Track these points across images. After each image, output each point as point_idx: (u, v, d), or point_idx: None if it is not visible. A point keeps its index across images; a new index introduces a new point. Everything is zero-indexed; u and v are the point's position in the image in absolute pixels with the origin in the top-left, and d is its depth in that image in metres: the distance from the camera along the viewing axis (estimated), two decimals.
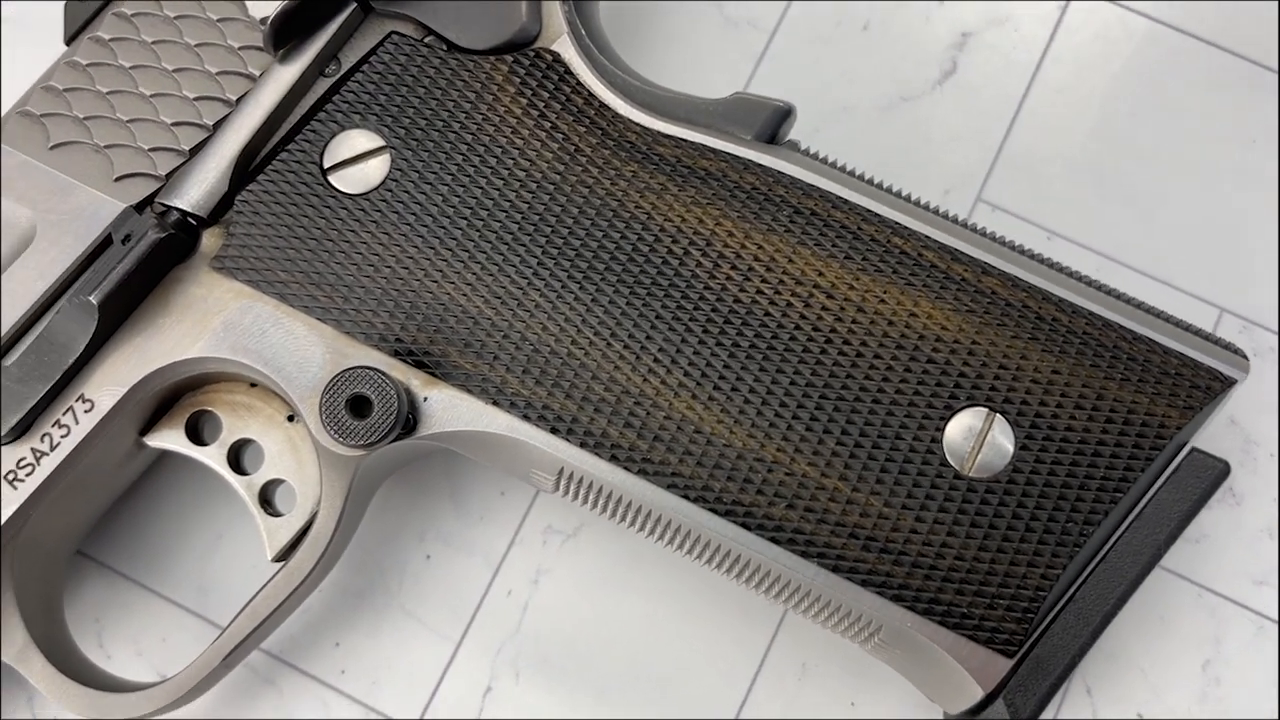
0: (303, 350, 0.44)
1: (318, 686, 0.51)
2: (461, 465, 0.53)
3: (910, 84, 0.56)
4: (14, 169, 0.45)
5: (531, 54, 0.45)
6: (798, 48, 0.56)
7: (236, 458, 0.47)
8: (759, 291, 0.43)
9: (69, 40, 0.47)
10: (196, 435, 0.48)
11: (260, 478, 0.47)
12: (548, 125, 0.45)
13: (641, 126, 0.45)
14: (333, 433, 0.42)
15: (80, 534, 0.49)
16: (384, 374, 0.43)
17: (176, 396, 0.47)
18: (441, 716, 0.50)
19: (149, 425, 0.47)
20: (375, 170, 0.45)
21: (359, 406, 0.43)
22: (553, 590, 0.52)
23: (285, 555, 0.46)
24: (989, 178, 0.55)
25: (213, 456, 0.47)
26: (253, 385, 0.47)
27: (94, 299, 0.43)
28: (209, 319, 0.45)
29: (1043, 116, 0.55)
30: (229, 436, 0.47)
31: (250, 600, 0.46)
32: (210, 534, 0.52)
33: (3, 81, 0.57)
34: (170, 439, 0.47)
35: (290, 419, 0.47)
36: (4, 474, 0.44)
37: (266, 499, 0.47)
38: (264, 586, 0.46)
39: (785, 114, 0.46)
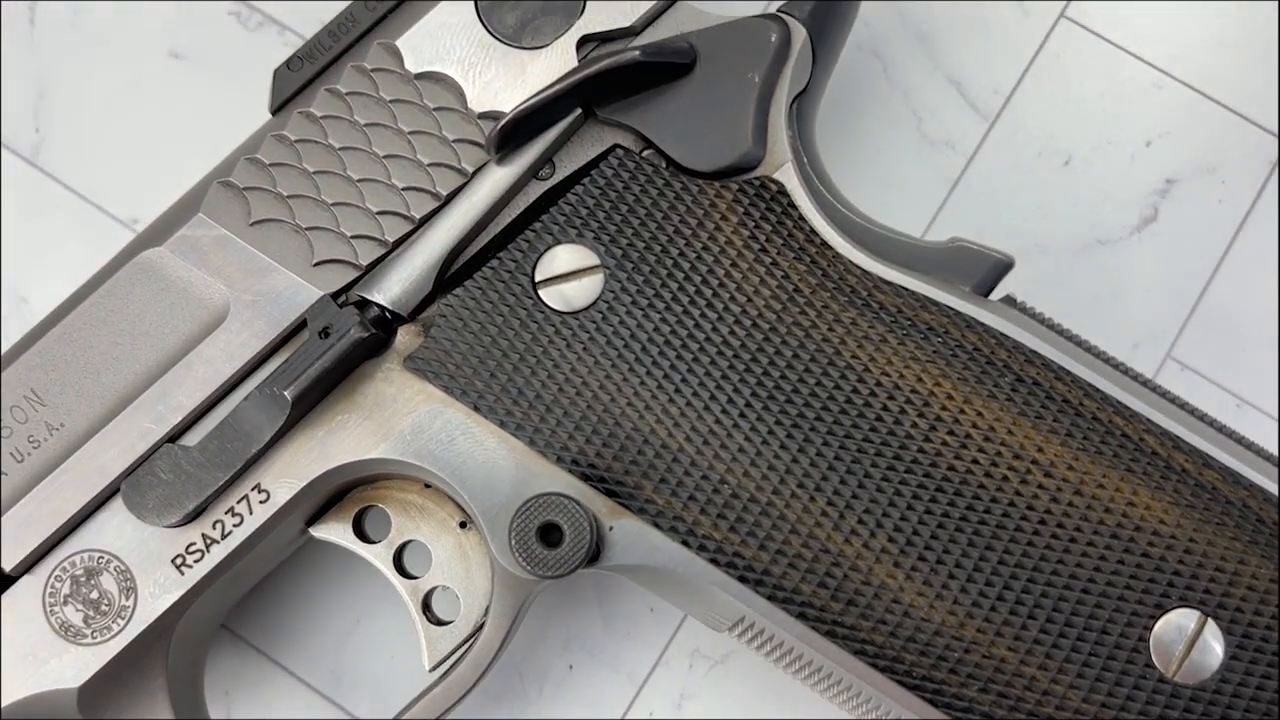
0: (491, 463, 0.43)
1: None
2: (612, 577, 0.51)
3: (1108, 227, 0.54)
4: (211, 242, 0.44)
5: (756, 183, 0.44)
6: (995, 176, 0.54)
7: (399, 557, 0.46)
8: (974, 461, 0.42)
9: (275, 110, 0.46)
10: (360, 526, 0.47)
11: (426, 583, 0.45)
12: (768, 261, 0.43)
13: (862, 270, 0.43)
14: (522, 560, 0.41)
15: (226, 611, 0.48)
16: (578, 505, 0.41)
17: (348, 489, 0.46)
18: None
19: (316, 516, 0.46)
20: (588, 289, 0.43)
21: (550, 535, 0.42)
22: (695, 716, 0.50)
23: (442, 664, 0.45)
24: (1181, 335, 0.53)
25: (379, 556, 0.45)
26: (426, 486, 0.46)
27: (288, 394, 0.41)
28: (397, 420, 0.43)
29: (1243, 275, 0.53)
30: (397, 537, 0.46)
31: (406, 710, 0.45)
32: (349, 617, 0.51)
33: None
34: (337, 532, 0.45)
35: (463, 525, 0.45)
36: (172, 558, 0.43)
37: (427, 603, 0.46)
38: (421, 697, 0.44)
39: (1006, 268, 0.45)
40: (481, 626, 0.45)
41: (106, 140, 0.55)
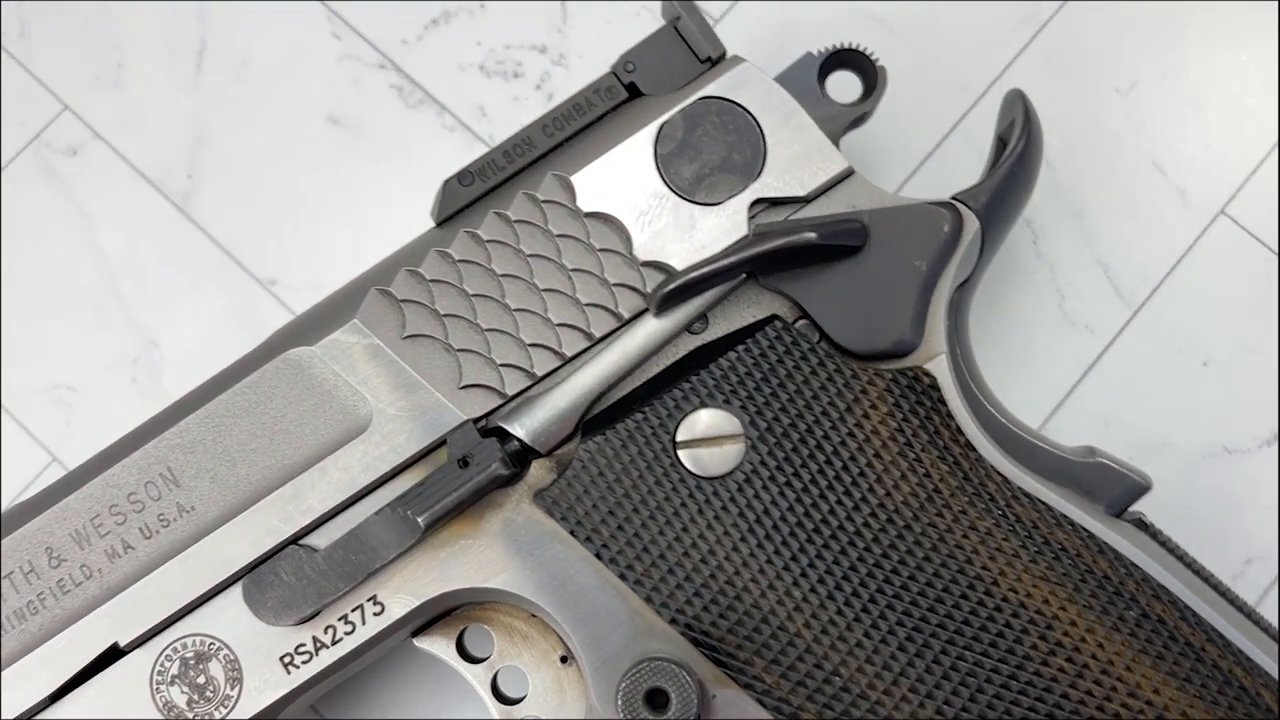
0: (606, 611, 0.43)
1: None
2: None
3: (1238, 436, 0.53)
4: (363, 350, 0.44)
5: (910, 374, 0.43)
6: (1131, 366, 0.54)
7: (495, 677, 0.47)
8: (1089, 693, 0.41)
9: (440, 222, 0.46)
10: (461, 640, 0.47)
11: (520, 712, 0.46)
12: (911, 456, 0.43)
13: (1002, 477, 0.43)
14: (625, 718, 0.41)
15: (317, 698, 0.49)
16: (688, 673, 0.41)
17: (456, 607, 0.46)
18: None
19: (422, 627, 0.46)
20: (728, 457, 0.43)
21: (655, 698, 0.42)
22: None
23: None
24: None
25: (478, 677, 0.46)
26: (533, 615, 0.46)
27: (422, 520, 0.42)
28: (518, 553, 0.44)
29: None
30: (499, 660, 0.46)
31: None
32: (426, 714, 0.52)
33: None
34: (440, 647, 0.46)
35: (563, 660, 0.46)
36: (281, 656, 0.44)
37: None
38: None
39: (1143, 491, 0.44)
40: None
41: (255, 197, 0.56)
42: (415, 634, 0.46)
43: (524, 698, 0.46)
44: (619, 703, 0.42)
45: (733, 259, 0.43)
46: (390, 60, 0.57)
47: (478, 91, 0.57)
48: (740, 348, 0.44)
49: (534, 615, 0.46)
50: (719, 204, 0.45)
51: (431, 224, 0.47)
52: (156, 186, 0.56)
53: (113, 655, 0.43)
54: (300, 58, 0.57)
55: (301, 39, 0.57)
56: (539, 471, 0.44)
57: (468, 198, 0.46)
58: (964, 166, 0.55)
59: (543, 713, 0.46)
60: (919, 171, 0.56)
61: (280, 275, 0.55)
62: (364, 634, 0.44)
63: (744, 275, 0.44)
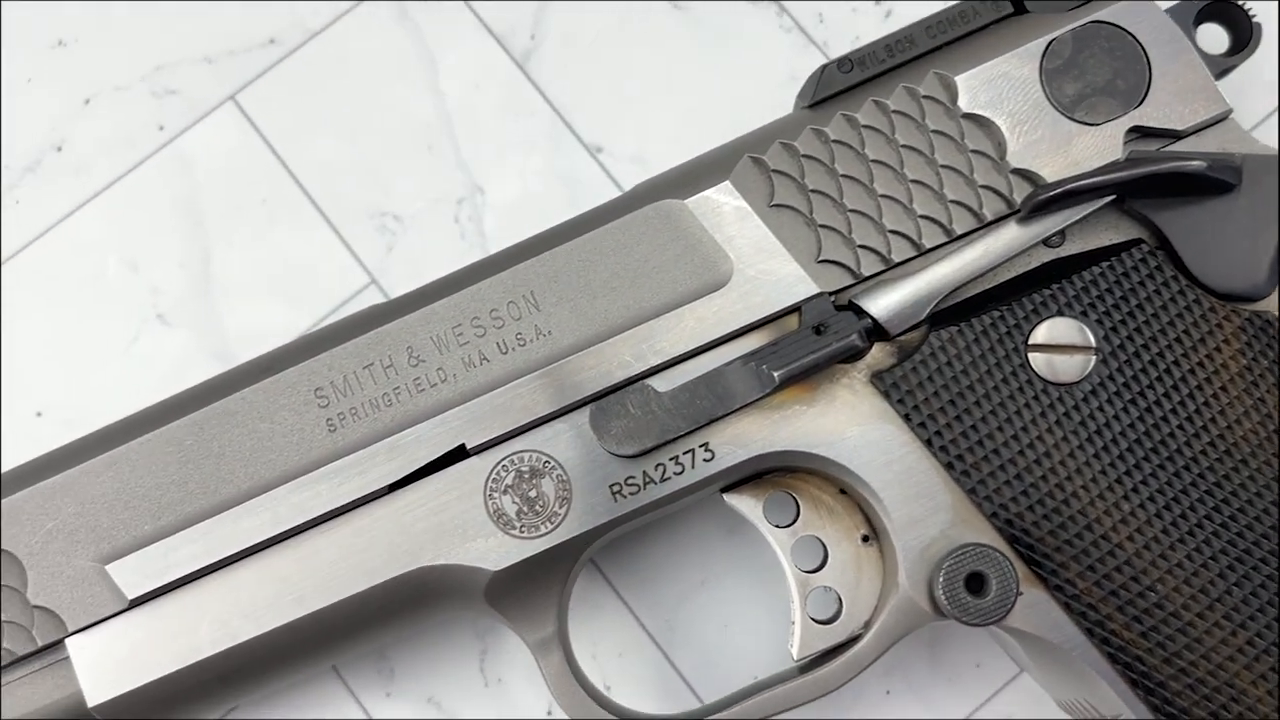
0: (928, 495, 0.45)
1: None
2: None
3: None
4: (731, 211, 0.46)
5: (1263, 318, 0.44)
6: None
7: (793, 547, 0.48)
8: None
9: (813, 104, 0.48)
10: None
11: (816, 580, 0.47)
12: (1256, 395, 0.44)
13: None
14: (945, 599, 0.43)
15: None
16: (1011, 564, 0.43)
17: (771, 470, 0.48)
18: None
19: (733, 484, 0.48)
20: (1074, 366, 0.44)
21: (975, 584, 0.43)
22: None
23: (807, 659, 0.48)
24: None
25: (780, 541, 0.48)
26: (841, 491, 0.48)
27: (777, 375, 0.44)
28: (847, 427, 0.45)
29: None
30: (801, 529, 0.48)
31: (763, 688, 0.47)
32: (695, 579, 0.54)
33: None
34: (747, 506, 0.48)
35: (865, 539, 0.47)
36: (611, 484, 0.46)
37: (805, 598, 0.48)
38: (783, 683, 0.47)
39: None
40: (857, 638, 0.47)
41: (591, 66, 0.58)
42: (726, 491, 0.48)
43: (819, 568, 0.48)
44: (939, 581, 0.43)
45: (1114, 176, 0.44)
46: None
47: None
48: (1104, 264, 0.45)
49: (843, 492, 0.48)
50: (1097, 125, 0.46)
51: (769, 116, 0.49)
52: (500, 42, 0.59)
53: (456, 456, 0.46)
54: None
55: None
56: (879, 354, 0.46)
57: (844, 83, 0.48)
58: None
59: (838, 585, 0.47)
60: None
61: (606, 144, 0.57)
62: (689, 478, 0.46)
63: (1111, 197, 0.45)
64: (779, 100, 0.51)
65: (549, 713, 0.52)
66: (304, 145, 0.58)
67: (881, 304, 0.45)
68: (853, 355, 0.45)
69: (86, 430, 0.50)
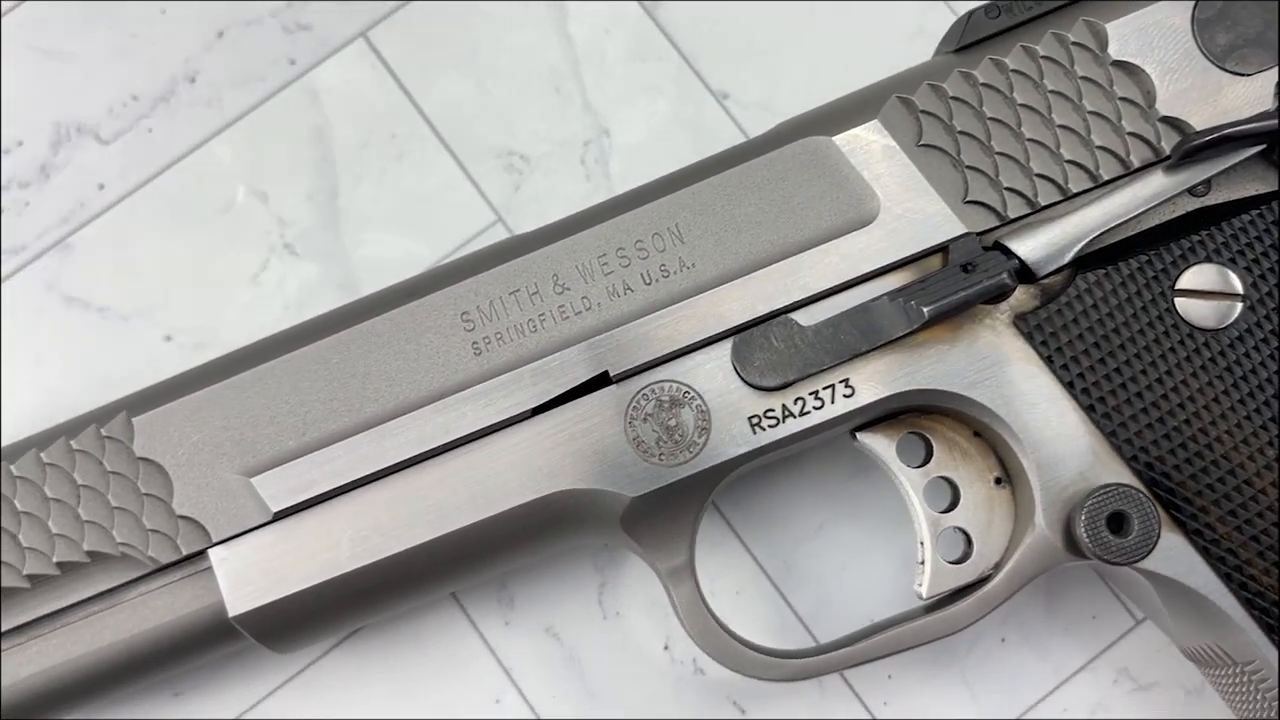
0: (1065, 438, 0.45)
1: (859, 706, 0.52)
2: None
3: None
4: (880, 149, 0.46)
5: None
6: None
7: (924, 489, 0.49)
8: None
9: (960, 48, 0.48)
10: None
11: (947, 520, 0.48)
12: None
13: None
14: (1089, 538, 0.43)
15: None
16: (1154, 506, 0.43)
17: (906, 410, 0.48)
18: None
19: (865, 424, 0.49)
20: (1221, 313, 0.44)
21: (1116, 523, 0.44)
22: None
23: (934, 599, 0.48)
24: None
25: (913, 482, 0.48)
26: (976, 434, 0.48)
27: (927, 311, 0.44)
28: (990, 368, 0.46)
29: None
30: (934, 469, 0.48)
31: (889, 626, 0.47)
32: (813, 522, 0.54)
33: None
34: (880, 446, 0.48)
35: (998, 481, 0.48)
36: (749, 416, 0.46)
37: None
38: (912, 620, 0.47)
39: None
40: (986, 578, 0.47)
41: (720, 13, 0.58)
42: (858, 431, 0.49)
43: (948, 509, 0.48)
44: (1081, 519, 0.44)
45: (1266, 124, 0.44)
46: None
47: None
48: (1254, 213, 0.45)
49: (977, 435, 0.48)
50: (1248, 75, 0.46)
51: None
52: None
53: (598, 383, 0.46)
54: None
55: None
56: (1022, 296, 0.46)
57: (992, 29, 0.48)
58: None
59: (969, 526, 0.48)
60: None
61: (733, 90, 0.58)
62: (828, 412, 0.46)
63: (1261, 146, 0.45)
64: (906, 53, 0.52)
65: (666, 647, 0.53)
66: (433, 84, 0.58)
67: (1028, 246, 0.46)
68: (1000, 295, 0.45)
69: (214, 355, 0.51)
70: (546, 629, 0.54)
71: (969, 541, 0.48)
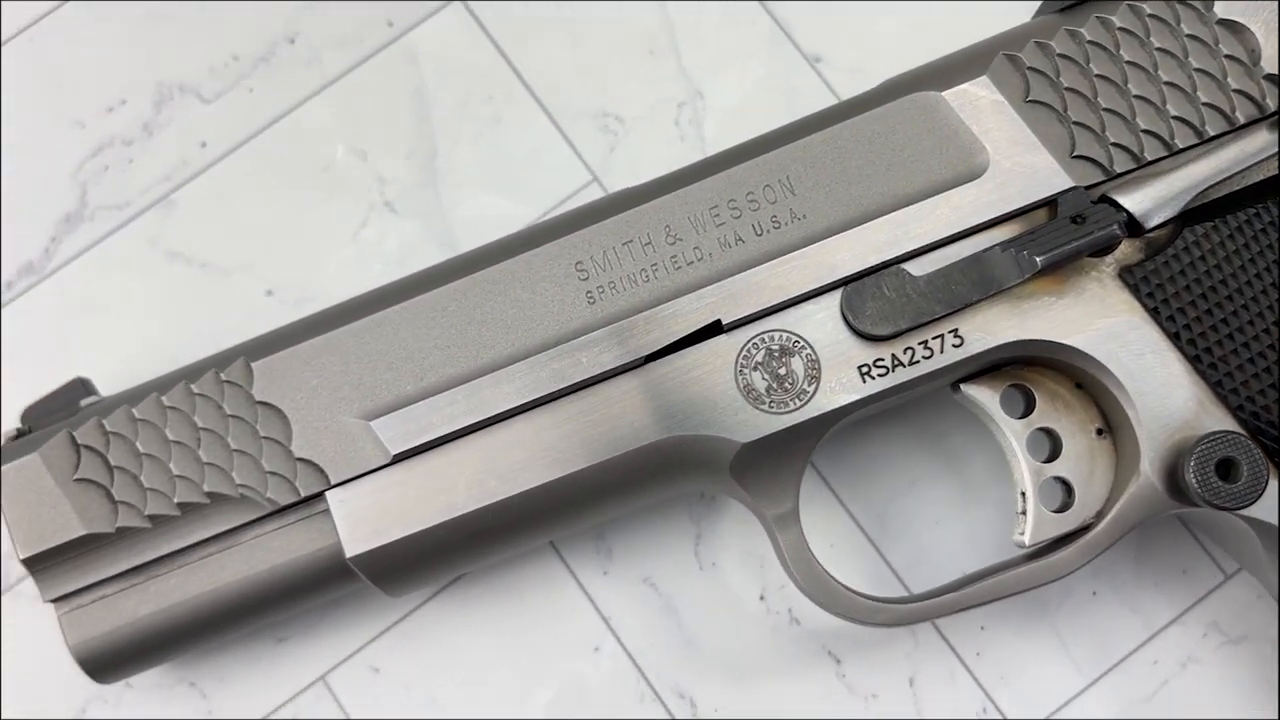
0: (1170, 388, 0.46)
1: (951, 657, 0.53)
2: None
3: None
4: (989, 105, 0.47)
5: None
6: None
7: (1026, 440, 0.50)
8: None
9: (1064, 9, 0.49)
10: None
11: (1049, 470, 0.49)
12: None
13: None
14: (1198, 484, 0.44)
15: None
16: (1263, 455, 0.44)
17: (1010, 362, 0.49)
18: None
19: (969, 376, 0.49)
20: None
21: (1224, 469, 0.45)
22: (1197, 681, 0.53)
23: (1036, 547, 0.49)
24: None
25: (1015, 432, 0.49)
26: (1077, 385, 0.49)
27: (1040, 260, 0.45)
28: (1095, 319, 0.47)
29: None
30: (1037, 420, 0.49)
31: (994, 571, 0.48)
32: (905, 478, 0.55)
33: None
34: (984, 397, 0.49)
35: (1099, 432, 0.49)
36: (859, 365, 0.47)
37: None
38: (1013, 568, 0.48)
39: None
40: (1087, 527, 0.48)
41: None
42: (962, 382, 0.49)
43: (1050, 459, 0.49)
44: (1189, 465, 0.44)
45: None
46: None
47: None
48: None
49: (1079, 386, 0.49)
50: None
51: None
52: None
53: (710, 332, 0.47)
54: None
55: None
56: (1127, 249, 0.47)
57: None
58: None
59: (1071, 476, 0.49)
60: None
61: (826, 54, 0.59)
62: (937, 362, 0.47)
63: None
64: (999, 18, 0.52)
65: (761, 597, 0.54)
66: (529, 45, 0.59)
67: (1136, 199, 0.46)
68: (1109, 246, 0.46)
69: (314, 310, 0.52)
70: (644, 579, 0.55)
71: (1069, 492, 0.49)
